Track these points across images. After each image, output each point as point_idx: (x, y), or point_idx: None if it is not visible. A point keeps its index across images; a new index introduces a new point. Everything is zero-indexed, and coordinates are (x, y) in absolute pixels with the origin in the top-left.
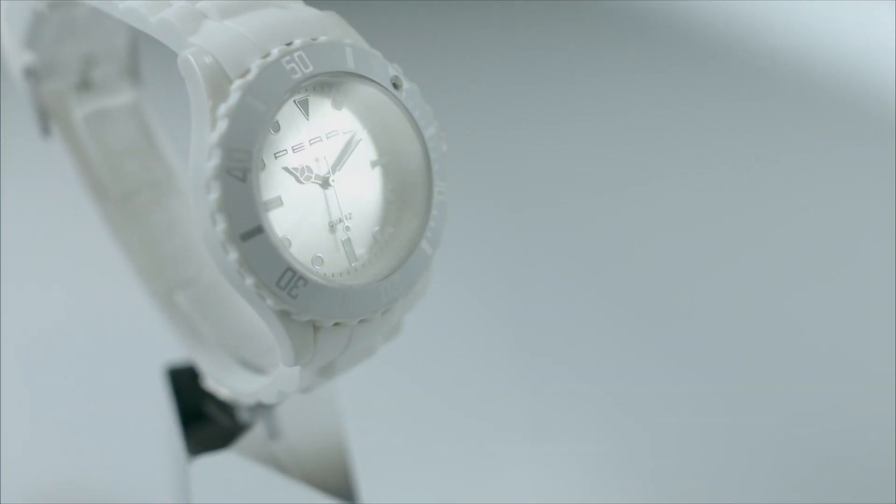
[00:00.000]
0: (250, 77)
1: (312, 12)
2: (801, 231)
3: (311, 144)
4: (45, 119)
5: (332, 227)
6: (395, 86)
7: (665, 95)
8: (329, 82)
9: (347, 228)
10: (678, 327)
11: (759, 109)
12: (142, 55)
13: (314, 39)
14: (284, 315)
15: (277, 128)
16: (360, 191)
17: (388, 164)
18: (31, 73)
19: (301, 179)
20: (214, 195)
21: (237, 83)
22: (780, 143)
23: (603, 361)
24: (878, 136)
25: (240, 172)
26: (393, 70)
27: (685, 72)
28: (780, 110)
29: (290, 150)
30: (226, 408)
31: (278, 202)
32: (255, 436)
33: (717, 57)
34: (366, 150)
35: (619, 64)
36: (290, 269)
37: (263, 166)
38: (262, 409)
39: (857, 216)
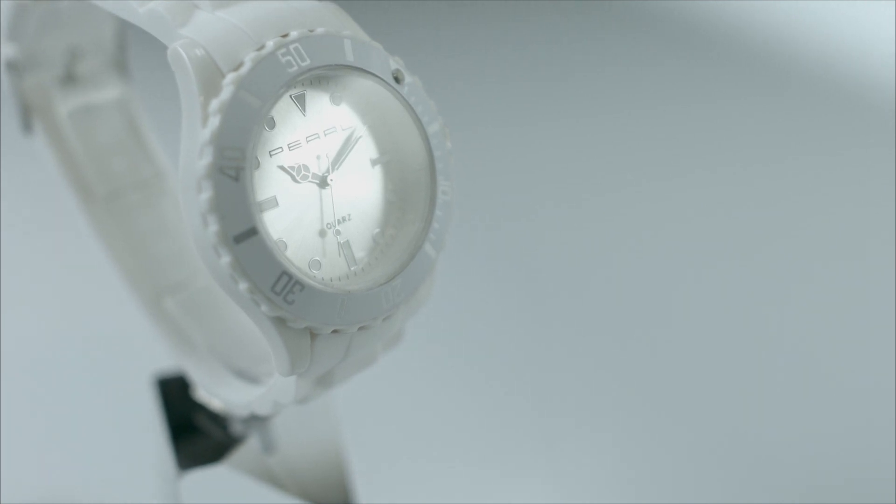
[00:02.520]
0: (244, 70)
1: (309, 3)
2: (810, 234)
3: (308, 142)
4: (28, 115)
5: (329, 229)
6: (397, 80)
7: (674, 93)
8: (327, 76)
9: (337, 233)
10: (689, 334)
11: (764, 108)
12: (130, 47)
13: (311, 31)
14: (280, 322)
15: (272, 124)
16: (360, 191)
17: (390, 162)
18: (13, 66)
19: (297, 179)
20: (206, 195)
21: (230, 77)
22: (787, 143)
23: (613, 372)
24: (882, 134)
25: (233, 171)
26: (394, 63)
27: (691, 70)
28: (784, 109)
29: (285, 148)
30: (218, 420)
31: (273, 203)
32: (249, 449)
33: (720, 54)
34: (366, 148)
35: (628, 60)
36: (285, 273)
37: (258, 165)
38: (256, 420)
39: (859, 217)
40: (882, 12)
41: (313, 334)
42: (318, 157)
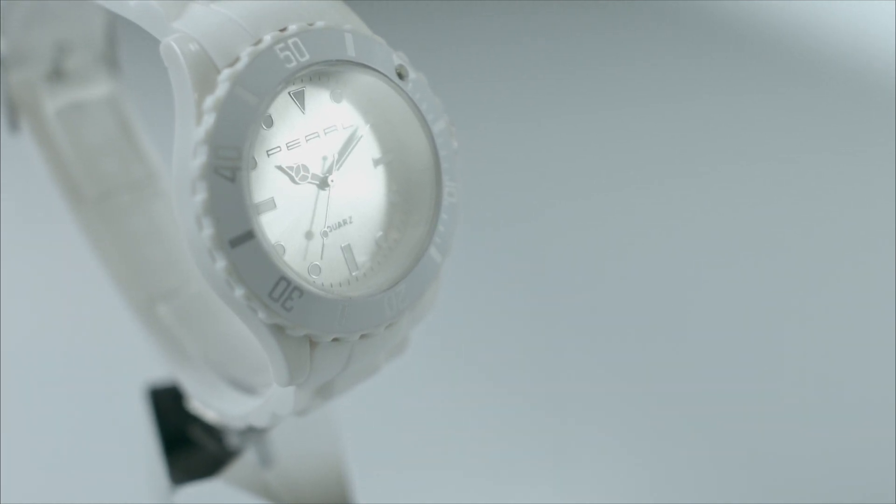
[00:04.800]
0: (240, 66)
1: None
2: (824, 233)
3: (307, 141)
4: (14, 112)
5: (329, 233)
6: (401, 76)
7: (685, 90)
8: (327, 72)
9: (336, 236)
10: (703, 337)
11: (775, 106)
12: (120, 42)
13: (311, 25)
14: (278, 329)
15: (270, 122)
16: (362, 192)
17: (393, 162)
18: None
19: (296, 179)
20: (200, 197)
21: (225, 73)
22: (800, 140)
23: (625, 379)
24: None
25: (228, 172)
26: (398, 58)
27: (702, 66)
28: (797, 106)
29: (284, 147)
30: (213, 432)
31: (271, 204)
32: (246, 463)
33: (733, 49)
34: (368, 147)
35: (640, 56)
36: (283, 278)
37: (255, 165)
38: (252, 433)
39: (875, 216)
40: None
41: (313, 343)
42: (317, 157)
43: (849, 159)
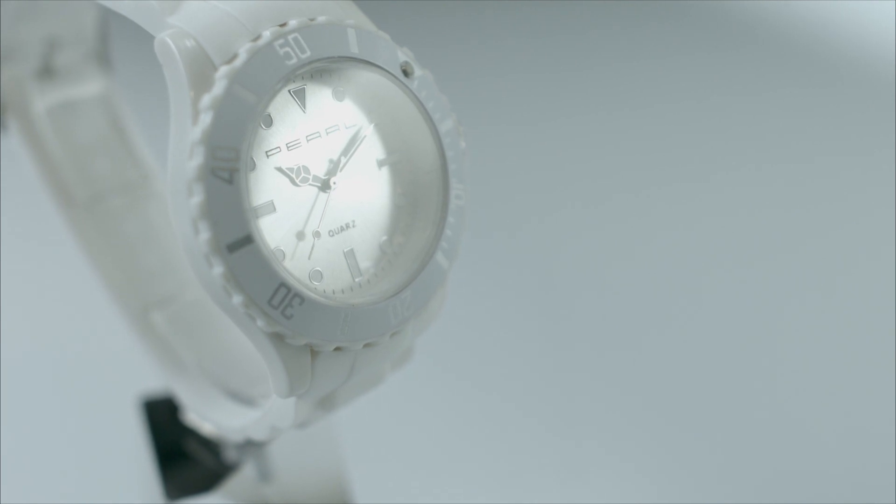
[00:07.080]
0: (238, 63)
1: None
2: (839, 238)
3: (308, 141)
4: (2, 111)
5: (332, 237)
6: (406, 73)
7: (700, 90)
8: (329, 69)
9: (338, 241)
10: (718, 347)
11: (794, 109)
12: (113, 38)
13: (312, 20)
14: (277, 338)
15: (269, 122)
16: (366, 194)
17: (398, 163)
18: None
19: (297, 181)
20: (197, 200)
21: (223, 70)
22: (818, 143)
23: (637, 391)
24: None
25: (226, 173)
26: (403, 55)
27: (717, 66)
28: (818, 107)
29: (283, 148)
30: (210, 445)
31: (270, 207)
32: (244, 478)
33: (749, 48)
34: (372, 148)
35: (655, 55)
36: (283, 284)
37: (253, 166)
38: (251, 447)
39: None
40: None
41: (314, 352)
42: (319, 158)
43: (856, 160)
